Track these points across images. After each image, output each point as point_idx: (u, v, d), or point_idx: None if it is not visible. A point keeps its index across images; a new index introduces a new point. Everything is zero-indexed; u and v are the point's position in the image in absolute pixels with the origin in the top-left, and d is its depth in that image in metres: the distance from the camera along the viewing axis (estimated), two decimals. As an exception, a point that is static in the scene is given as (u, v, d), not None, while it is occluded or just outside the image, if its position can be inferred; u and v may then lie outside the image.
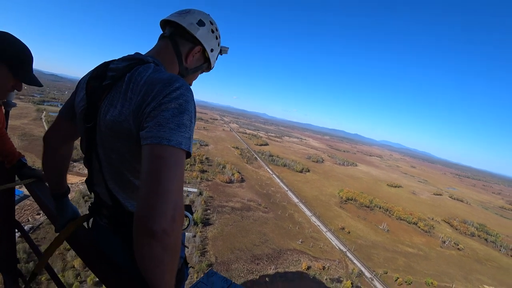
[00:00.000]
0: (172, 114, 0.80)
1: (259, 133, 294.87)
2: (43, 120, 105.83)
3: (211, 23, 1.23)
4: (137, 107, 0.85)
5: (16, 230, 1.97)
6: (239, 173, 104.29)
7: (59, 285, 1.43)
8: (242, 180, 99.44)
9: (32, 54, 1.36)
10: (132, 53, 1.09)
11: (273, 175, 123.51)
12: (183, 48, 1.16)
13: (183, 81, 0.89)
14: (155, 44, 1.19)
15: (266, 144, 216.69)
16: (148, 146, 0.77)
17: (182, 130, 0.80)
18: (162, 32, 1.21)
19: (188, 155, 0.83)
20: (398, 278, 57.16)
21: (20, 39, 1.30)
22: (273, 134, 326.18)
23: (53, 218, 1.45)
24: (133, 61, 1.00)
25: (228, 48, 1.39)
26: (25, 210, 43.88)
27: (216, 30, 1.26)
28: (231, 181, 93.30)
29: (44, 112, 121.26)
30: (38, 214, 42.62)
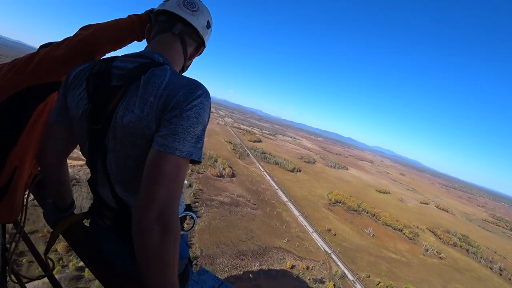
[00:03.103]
0: (190, 124, 0.82)
1: (253, 130, 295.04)
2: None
3: (212, 22, 1.23)
4: (159, 112, 0.84)
5: None
6: (231, 168, 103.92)
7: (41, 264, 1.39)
8: (233, 175, 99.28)
9: None
10: (138, 51, 1.05)
11: (264, 173, 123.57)
12: (190, 48, 1.16)
13: (204, 88, 0.90)
14: (155, 36, 1.12)
15: (260, 141, 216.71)
16: (159, 153, 0.80)
17: (194, 140, 0.84)
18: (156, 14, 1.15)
19: (199, 162, 0.87)
20: (379, 282, 57.89)
21: None
22: (267, 132, 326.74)
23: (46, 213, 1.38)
24: (144, 60, 0.96)
25: None
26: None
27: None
28: (222, 175, 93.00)
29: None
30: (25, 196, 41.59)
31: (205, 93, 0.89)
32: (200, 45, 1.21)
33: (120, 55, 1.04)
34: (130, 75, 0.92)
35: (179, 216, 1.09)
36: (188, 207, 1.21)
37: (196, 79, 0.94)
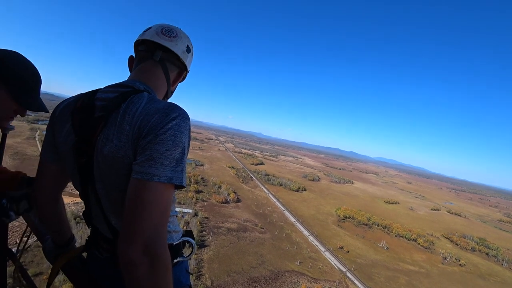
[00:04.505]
0: (166, 148, 0.80)
1: (254, 153, 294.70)
2: (37, 140, 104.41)
3: (192, 46, 1.24)
4: (134, 140, 0.83)
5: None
6: (235, 193, 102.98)
7: None
8: (238, 200, 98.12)
9: (40, 77, 1.23)
10: (120, 81, 1.05)
11: (269, 195, 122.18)
12: (172, 73, 1.17)
13: (180, 110, 0.88)
14: (138, 64, 1.14)
15: (262, 164, 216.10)
16: (137, 181, 0.78)
17: (173, 164, 0.81)
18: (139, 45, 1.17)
19: (181, 186, 0.84)
20: (400, 297, 55.64)
21: (29, 60, 1.17)
22: (268, 153, 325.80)
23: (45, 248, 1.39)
24: (125, 90, 0.96)
25: None
26: (13, 232, 42.29)
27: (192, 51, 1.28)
28: (227, 201, 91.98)
29: (38, 131, 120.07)
30: (27, 236, 41.20)
31: (182, 115, 0.86)
32: (182, 70, 1.22)
33: (102, 87, 1.04)
34: (111, 104, 0.91)
35: (177, 242, 1.12)
36: (188, 233, 1.20)
37: (175, 103, 0.92)
